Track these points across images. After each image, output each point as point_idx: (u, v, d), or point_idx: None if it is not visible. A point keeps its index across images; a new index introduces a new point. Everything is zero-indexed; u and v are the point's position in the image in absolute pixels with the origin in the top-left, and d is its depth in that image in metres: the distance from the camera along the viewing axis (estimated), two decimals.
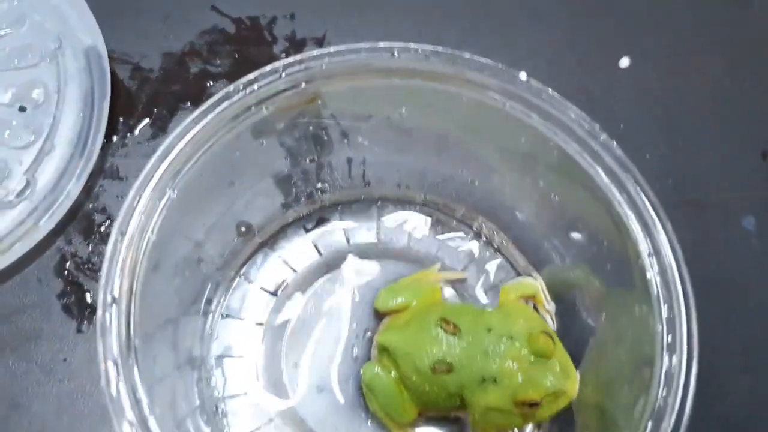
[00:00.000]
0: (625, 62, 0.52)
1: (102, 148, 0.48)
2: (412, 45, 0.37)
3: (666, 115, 0.52)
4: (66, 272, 0.47)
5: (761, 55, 0.54)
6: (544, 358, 0.37)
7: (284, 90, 0.37)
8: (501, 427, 0.39)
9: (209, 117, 0.35)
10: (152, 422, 0.32)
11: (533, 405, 0.37)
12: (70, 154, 0.47)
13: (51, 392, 0.44)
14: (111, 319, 0.32)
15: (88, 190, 0.48)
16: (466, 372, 0.38)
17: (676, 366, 0.33)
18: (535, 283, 0.44)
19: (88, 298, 0.46)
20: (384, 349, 0.41)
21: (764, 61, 0.54)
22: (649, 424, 0.33)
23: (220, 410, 0.43)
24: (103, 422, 0.44)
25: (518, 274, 0.47)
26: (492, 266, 0.47)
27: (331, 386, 0.44)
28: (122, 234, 0.33)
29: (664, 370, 0.34)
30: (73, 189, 0.47)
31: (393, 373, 0.41)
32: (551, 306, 0.44)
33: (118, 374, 0.32)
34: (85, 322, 0.46)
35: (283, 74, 0.36)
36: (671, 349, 0.34)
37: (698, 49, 0.54)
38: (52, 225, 0.46)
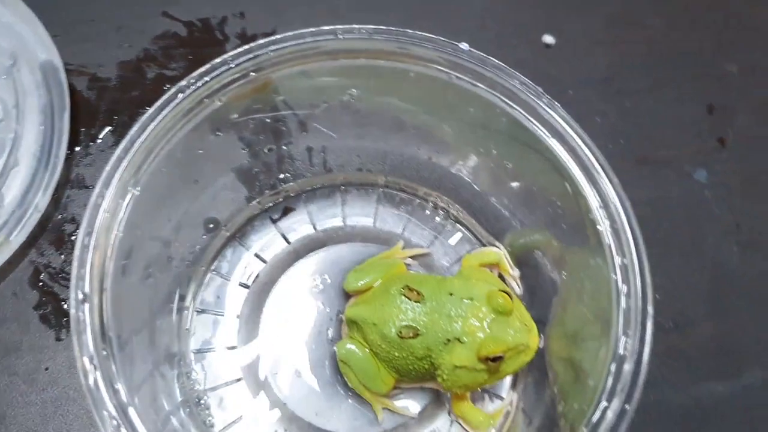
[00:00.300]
0: (548, 39, 0.54)
1: (66, 159, 0.49)
2: (355, 25, 0.38)
3: (611, 81, 0.54)
4: (41, 283, 0.47)
5: (696, 12, 0.56)
6: (503, 316, 0.39)
7: (235, 80, 0.38)
8: (470, 385, 0.40)
9: (165, 112, 0.36)
10: (132, 412, 0.33)
11: (497, 359, 0.38)
12: (35, 168, 0.48)
13: (35, 401, 0.45)
14: (84, 317, 0.33)
15: (56, 202, 0.49)
16: (432, 335, 0.39)
17: (633, 309, 0.35)
18: (498, 252, 0.46)
19: (65, 307, 0.47)
20: (353, 323, 0.42)
21: (700, 17, 0.56)
22: (612, 367, 0.34)
23: (202, 402, 0.44)
24: (89, 426, 0.44)
25: (482, 245, 0.48)
26: (455, 239, 0.48)
27: (309, 369, 0.45)
28: (89, 233, 0.34)
29: (621, 315, 0.35)
30: (41, 201, 0.47)
31: (366, 349, 0.42)
32: (515, 272, 0.46)
33: (95, 368, 0.33)
34: (63, 330, 0.47)
35: (233, 65, 0.37)
36: (627, 294, 0.35)
37: (636, 13, 0.56)
38: (23, 238, 0.47)
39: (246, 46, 0.37)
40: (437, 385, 0.42)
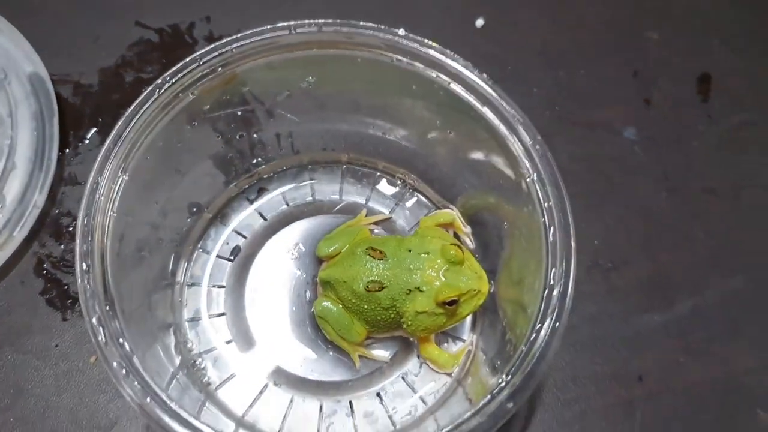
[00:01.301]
0: (479, 22, 0.60)
1: (58, 160, 0.54)
2: (306, 21, 0.44)
3: (544, 54, 0.60)
4: (44, 272, 0.53)
5: None
6: (456, 266, 0.44)
7: (204, 75, 0.43)
8: (431, 328, 0.46)
9: (145, 107, 0.41)
10: (136, 360, 0.38)
11: (452, 303, 0.44)
12: (31, 169, 0.53)
13: (48, 375, 0.50)
14: (89, 284, 0.38)
15: (52, 198, 0.54)
16: (395, 287, 0.45)
17: (558, 244, 0.40)
18: (451, 212, 0.52)
19: (68, 290, 0.52)
20: (326, 283, 0.48)
21: None
22: (544, 294, 0.40)
23: (197, 364, 0.50)
24: (99, 393, 0.50)
25: (438, 209, 0.54)
26: (412, 204, 0.54)
27: (291, 328, 0.50)
28: (87, 214, 0.40)
29: (549, 250, 0.41)
30: (39, 199, 0.53)
31: (339, 305, 0.48)
32: (467, 228, 0.51)
33: (102, 327, 0.38)
34: (68, 311, 0.52)
35: (201, 62, 0.43)
36: (552, 232, 0.41)
37: None
38: (25, 233, 0.52)
39: (212, 45, 0.43)
40: (404, 332, 0.48)
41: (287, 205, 0.54)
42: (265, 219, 0.54)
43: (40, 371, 0.50)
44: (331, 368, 0.50)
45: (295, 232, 0.53)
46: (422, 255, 0.45)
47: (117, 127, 0.41)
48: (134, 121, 0.41)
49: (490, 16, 0.61)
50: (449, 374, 0.49)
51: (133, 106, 0.42)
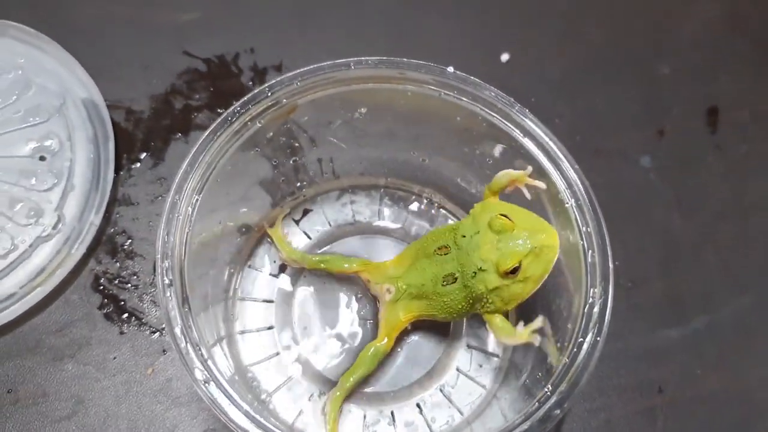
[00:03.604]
0: (505, 57, 0.65)
1: (113, 181, 0.57)
2: (363, 58, 0.48)
3: (564, 87, 0.64)
4: (101, 287, 0.56)
5: (630, 23, 0.67)
6: (507, 233, 0.45)
7: (271, 106, 0.47)
8: (514, 298, 0.46)
9: (220, 132, 0.45)
10: (212, 366, 0.41)
11: (515, 270, 0.45)
12: (88, 190, 0.56)
13: (108, 386, 0.53)
14: (171, 296, 0.42)
15: (107, 218, 0.57)
16: (463, 275, 0.47)
17: (597, 265, 0.45)
18: (506, 171, 0.49)
19: (124, 306, 0.56)
20: (407, 287, 0.50)
21: (634, 27, 0.67)
22: (585, 310, 0.44)
23: (249, 376, 0.53)
24: (156, 403, 0.53)
25: None
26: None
27: (336, 339, 0.54)
28: (167, 231, 0.43)
29: (589, 271, 0.45)
30: (95, 218, 0.56)
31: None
32: (528, 169, 0.48)
33: (184, 335, 0.41)
34: (125, 325, 0.55)
35: (270, 94, 0.46)
36: (591, 255, 0.45)
37: (579, 28, 0.66)
38: (83, 250, 0.55)
39: (279, 78, 0.47)
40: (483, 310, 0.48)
41: (329, 225, 0.58)
42: (309, 238, 0.57)
43: (99, 382, 0.53)
44: (374, 379, 0.53)
45: (338, 250, 0.57)
46: (474, 236, 0.47)
47: (195, 149, 0.45)
48: (210, 145, 0.45)
49: (515, 52, 0.65)
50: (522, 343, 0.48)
51: (208, 132, 0.45)
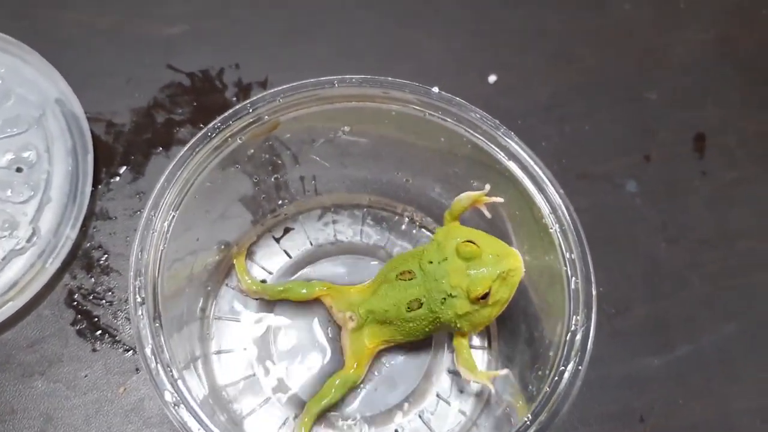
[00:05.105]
0: (492, 78, 0.64)
1: (91, 195, 0.56)
2: (347, 76, 0.47)
3: (552, 109, 0.64)
4: (75, 303, 0.55)
5: (619, 48, 0.66)
6: (475, 259, 0.46)
7: (253, 122, 0.46)
8: (482, 323, 0.47)
9: (199, 148, 0.44)
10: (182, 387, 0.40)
11: (486, 296, 0.45)
12: (65, 203, 0.55)
13: (78, 404, 0.52)
14: (143, 314, 0.41)
15: (84, 232, 0.56)
16: (430, 300, 0.47)
17: (580, 292, 0.44)
18: (467, 194, 0.49)
19: (98, 322, 0.54)
20: (369, 314, 0.50)
21: (622, 52, 0.66)
22: (567, 338, 0.43)
23: (223, 396, 0.51)
24: (127, 423, 0.52)
25: None
26: None
27: (312, 362, 0.53)
28: (141, 248, 0.42)
29: (572, 298, 0.44)
30: (71, 232, 0.55)
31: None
32: (486, 188, 0.48)
33: (155, 356, 0.40)
34: (98, 342, 0.54)
35: (252, 110, 0.46)
36: (575, 281, 0.44)
37: (568, 51, 0.66)
38: (57, 265, 0.54)
39: (261, 95, 0.46)
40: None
41: (311, 244, 0.57)
42: (290, 257, 0.56)
43: (69, 400, 0.52)
44: (351, 403, 0.52)
45: (318, 270, 0.56)
46: (441, 262, 0.47)
47: (173, 165, 0.44)
48: (188, 161, 0.44)
49: (503, 73, 0.65)
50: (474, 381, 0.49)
51: (186, 147, 0.44)
